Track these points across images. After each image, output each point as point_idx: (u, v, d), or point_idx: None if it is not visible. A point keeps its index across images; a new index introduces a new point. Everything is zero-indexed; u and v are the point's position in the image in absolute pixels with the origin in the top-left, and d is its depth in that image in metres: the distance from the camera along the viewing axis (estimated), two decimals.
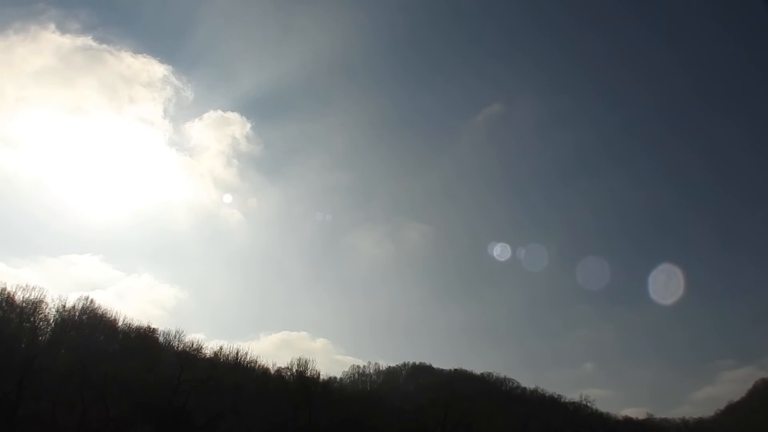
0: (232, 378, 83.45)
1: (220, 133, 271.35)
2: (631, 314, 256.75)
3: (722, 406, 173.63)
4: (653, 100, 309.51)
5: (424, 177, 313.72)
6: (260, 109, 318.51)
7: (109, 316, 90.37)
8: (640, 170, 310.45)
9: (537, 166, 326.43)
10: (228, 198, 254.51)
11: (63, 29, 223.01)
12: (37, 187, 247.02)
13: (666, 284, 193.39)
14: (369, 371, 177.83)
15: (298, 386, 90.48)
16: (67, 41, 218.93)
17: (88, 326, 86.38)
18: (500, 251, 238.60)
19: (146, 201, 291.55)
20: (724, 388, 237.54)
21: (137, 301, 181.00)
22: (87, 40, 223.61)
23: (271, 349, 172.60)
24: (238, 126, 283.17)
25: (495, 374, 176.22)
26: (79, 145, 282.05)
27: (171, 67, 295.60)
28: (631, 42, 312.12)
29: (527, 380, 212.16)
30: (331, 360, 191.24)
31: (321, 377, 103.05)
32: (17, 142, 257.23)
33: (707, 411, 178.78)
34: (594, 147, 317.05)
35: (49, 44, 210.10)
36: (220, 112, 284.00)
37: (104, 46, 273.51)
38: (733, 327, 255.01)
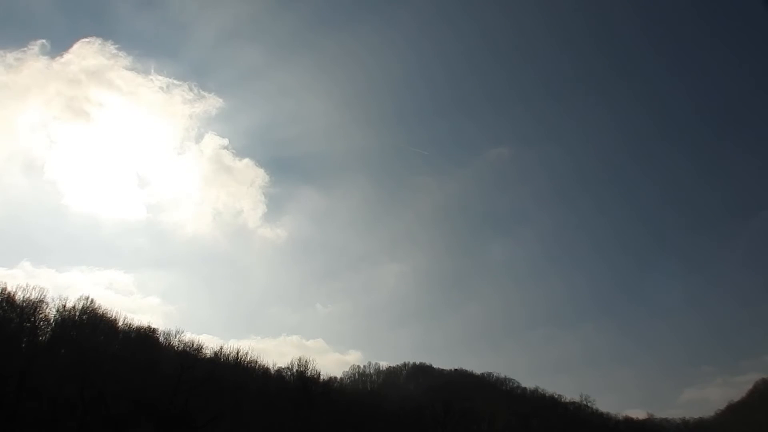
0: (232, 378, 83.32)
1: (231, 173, 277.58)
2: (615, 319, 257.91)
3: (706, 409, 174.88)
4: (646, 110, 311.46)
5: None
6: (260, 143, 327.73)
7: (109, 316, 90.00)
8: (634, 178, 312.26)
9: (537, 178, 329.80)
10: (237, 226, 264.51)
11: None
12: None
13: (663, 286, 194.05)
14: (369, 371, 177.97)
15: (298, 386, 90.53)
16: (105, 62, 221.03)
17: (88, 326, 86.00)
18: (500, 250, 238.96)
19: (160, 216, 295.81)
20: (709, 392, 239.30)
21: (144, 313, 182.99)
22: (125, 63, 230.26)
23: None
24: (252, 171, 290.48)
25: (495, 374, 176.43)
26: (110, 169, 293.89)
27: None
28: (625, 54, 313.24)
29: (526, 380, 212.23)
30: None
31: (321, 377, 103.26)
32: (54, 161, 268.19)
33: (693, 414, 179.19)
34: (589, 158, 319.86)
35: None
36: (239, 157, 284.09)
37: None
38: (714, 332, 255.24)
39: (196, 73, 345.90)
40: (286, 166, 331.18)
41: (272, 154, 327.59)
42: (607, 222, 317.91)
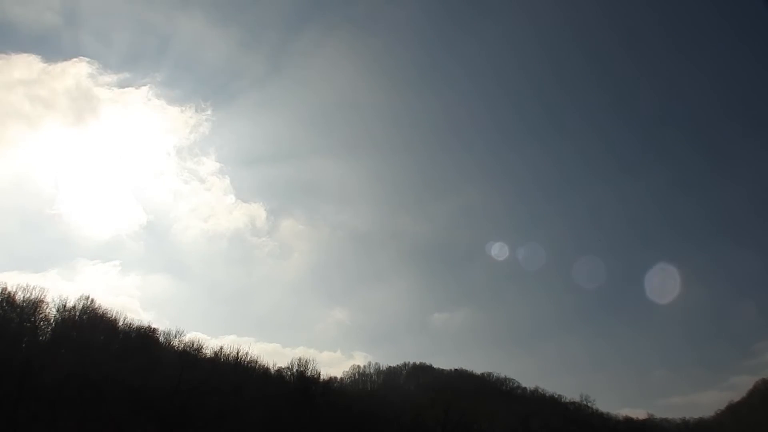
0: (232, 378, 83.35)
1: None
2: (610, 321, 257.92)
3: (693, 411, 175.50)
4: (655, 99, 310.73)
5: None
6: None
7: (109, 316, 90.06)
8: (640, 170, 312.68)
9: (538, 172, 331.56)
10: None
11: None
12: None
13: (662, 284, 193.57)
14: (369, 371, 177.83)
15: (298, 386, 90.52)
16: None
17: (88, 326, 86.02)
18: (498, 250, 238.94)
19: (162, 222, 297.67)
20: (699, 395, 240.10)
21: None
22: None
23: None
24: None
25: (495, 374, 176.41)
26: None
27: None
28: (637, 43, 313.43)
29: (526, 380, 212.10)
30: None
31: (321, 377, 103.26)
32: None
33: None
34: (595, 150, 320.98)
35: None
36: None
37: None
38: (703, 334, 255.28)
39: (198, 94, 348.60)
40: (286, 191, 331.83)
41: (270, 179, 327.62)
42: (605, 225, 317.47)
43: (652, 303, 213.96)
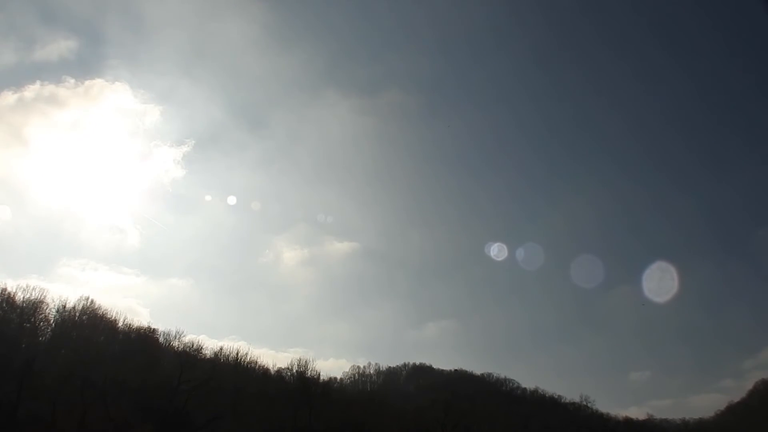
0: (232, 378, 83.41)
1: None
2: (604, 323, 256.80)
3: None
4: (653, 101, 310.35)
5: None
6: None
7: (109, 316, 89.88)
8: (637, 169, 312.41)
9: (535, 168, 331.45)
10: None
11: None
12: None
13: (660, 283, 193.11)
14: (369, 371, 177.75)
15: (298, 386, 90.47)
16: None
17: (88, 326, 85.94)
18: (497, 251, 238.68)
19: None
20: (691, 399, 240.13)
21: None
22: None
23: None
24: None
25: (495, 375, 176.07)
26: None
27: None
28: (635, 48, 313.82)
29: (526, 381, 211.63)
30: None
31: (321, 378, 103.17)
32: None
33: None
34: (592, 145, 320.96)
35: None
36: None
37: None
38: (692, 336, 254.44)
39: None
40: (286, 220, 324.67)
41: (272, 208, 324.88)
42: (605, 225, 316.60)
43: (648, 304, 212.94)
